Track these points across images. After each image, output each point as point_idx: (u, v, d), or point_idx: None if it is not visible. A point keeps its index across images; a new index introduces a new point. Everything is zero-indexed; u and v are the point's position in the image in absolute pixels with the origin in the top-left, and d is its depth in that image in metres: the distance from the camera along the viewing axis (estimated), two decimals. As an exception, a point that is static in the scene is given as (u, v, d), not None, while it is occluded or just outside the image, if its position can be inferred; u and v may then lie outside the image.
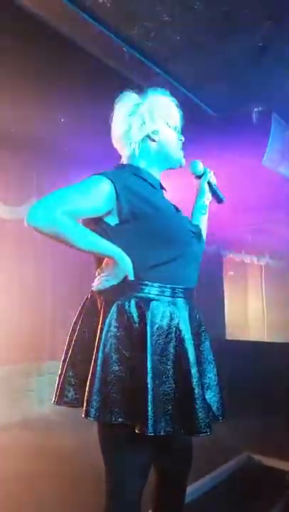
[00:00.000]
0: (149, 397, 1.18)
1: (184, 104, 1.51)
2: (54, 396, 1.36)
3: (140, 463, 1.31)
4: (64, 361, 1.38)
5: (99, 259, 1.38)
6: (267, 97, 2.83)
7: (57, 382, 1.38)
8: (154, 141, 1.45)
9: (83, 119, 3.16)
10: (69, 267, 4.58)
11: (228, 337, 5.63)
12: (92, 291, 1.39)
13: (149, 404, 1.18)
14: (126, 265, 1.29)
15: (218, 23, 2.15)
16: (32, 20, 2.10)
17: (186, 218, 1.51)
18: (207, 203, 1.64)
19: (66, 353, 1.39)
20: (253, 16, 2.09)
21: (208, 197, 1.64)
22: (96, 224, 1.33)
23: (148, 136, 1.44)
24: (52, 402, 1.37)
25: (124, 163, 1.48)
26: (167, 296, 1.32)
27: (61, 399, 1.32)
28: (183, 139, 1.52)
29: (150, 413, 1.17)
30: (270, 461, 2.85)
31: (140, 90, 1.48)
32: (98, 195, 1.28)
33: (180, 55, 2.42)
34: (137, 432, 1.18)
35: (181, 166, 1.53)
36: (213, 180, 1.62)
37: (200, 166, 1.60)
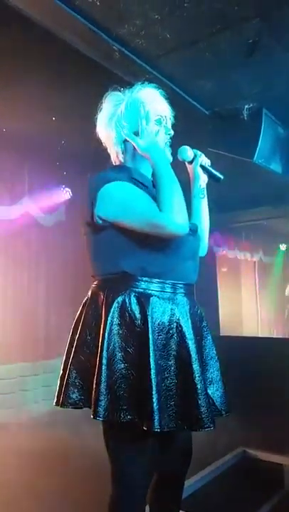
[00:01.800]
0: (154, 393, 1.19)
1: (175, 102, 1.50)
2: (57, 397, 1.35)
3: (146, 461, 1.31)
4: (66, 362, 1.37)
5: (91, 261, 1.39)
6: (257, 93, 2.84)
7: (59, 383, 1.36)
8: None
9: (74, 118, 3.14)
10: (63, 266, 4.58)
11: (222, 333, 5.65)
12: (91, 289, 1.39)
13: (154, 400, 1.19)
14: None
15: (208, 20, 2.15)
16: (20, 19, 2.08)
17: None
18: (204, 185, 1.60)
19: (68, 354, 1.38)
20: (242, 12, 2.09)
21: (204, 179, 1.60)
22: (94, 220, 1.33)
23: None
24: (54, 403, 1.35)
25: (116, 163, 1.47)
26: (168, 291, 1.33)
27: (65, 400, 1.30)
28: (172, 132, 1.47)
29: (155, 409, 1.18)
30: (265, 455, 2.87)
31: (126, 87, 1.45)
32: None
33: (170, 52, 2.41)
34: (144, 428, 1.19)
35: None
36: (206, 162, 1.57)
37: (189, 152, 1.54)
